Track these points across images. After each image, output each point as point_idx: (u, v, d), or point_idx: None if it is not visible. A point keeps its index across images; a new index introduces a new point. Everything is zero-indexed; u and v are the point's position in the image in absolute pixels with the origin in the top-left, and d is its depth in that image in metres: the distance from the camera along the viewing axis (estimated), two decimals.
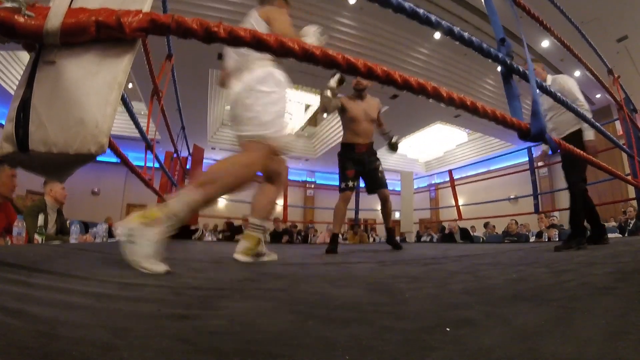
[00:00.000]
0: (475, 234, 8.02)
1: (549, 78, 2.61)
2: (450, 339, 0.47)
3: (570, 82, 2.49)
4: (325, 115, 11.48)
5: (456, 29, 0.95)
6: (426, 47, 6.92)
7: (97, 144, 0.63)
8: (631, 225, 5.48)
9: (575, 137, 2.40)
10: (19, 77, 0.80)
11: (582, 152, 1.34)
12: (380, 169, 2.82)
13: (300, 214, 13.84)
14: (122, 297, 0.68)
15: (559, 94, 1.27)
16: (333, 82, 2.56)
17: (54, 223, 2.87)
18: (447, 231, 6.76)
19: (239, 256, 1.61)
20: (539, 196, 5.30)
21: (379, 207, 3.02)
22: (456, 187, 6.18)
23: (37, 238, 2.29)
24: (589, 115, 2.32)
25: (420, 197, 13.15)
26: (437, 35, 6.52)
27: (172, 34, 0.63)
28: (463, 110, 0.90)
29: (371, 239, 8.17)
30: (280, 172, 1.77)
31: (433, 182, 13.95)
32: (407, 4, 0.83)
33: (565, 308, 0.64)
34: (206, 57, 6.86)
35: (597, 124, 1.72)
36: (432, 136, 11.43)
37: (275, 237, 6.32)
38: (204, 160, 5.05)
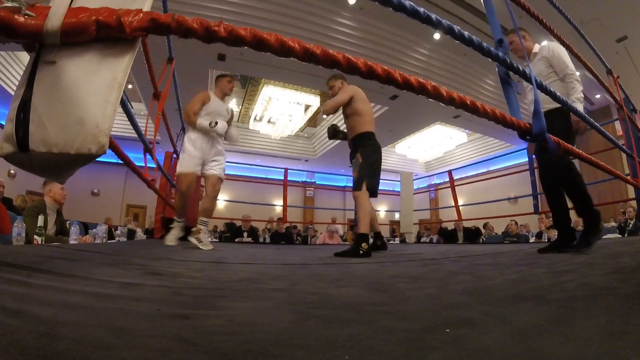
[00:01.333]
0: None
1: (537, 46, 2.40)
2: (450, 339, 0.46)
3: (559, 49, 2.26)
4: (325, 116, 11.49)
5: (456, 28, 0.95)
6: (426, 47, 6.92)
7: (97, 143, 0.63)
8: (631, 225, 5.48)
9: (560, 113, 2.11)
10: (19, 77, 0.80)
11: (580, 151, 1.34)
12: (354, 169, 2.62)
13: (300, 215, 13.85)
14: (122, 297, 0.68)
15: (558, 94, 1.27)
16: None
17: (54, 224, 2.86)
18: (450, 228, 6.77)
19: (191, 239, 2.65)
20: (539, 196, 5.29)
21: (379, 208, 3.01)
22: (456, 187, 6.18)
23: (37, 239, 2.29)
24: (579, 86, 2.15)
25: (420, 198, 13.15)
26: (437, 35, 6.52)
27: (172, 34, 0.63)
28: (463, 110, 0.90)
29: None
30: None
31: (433, 182, 13.96)
32: (407, 3, 0.83)
33: (565, 308, 0.64)
34: (206, 57, 6.86)
35: (597, 123, 1.71)
36: (432, 137, 11.43)
37: (275, 239, 6.31)
38: None
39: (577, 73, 2.19)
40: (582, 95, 2.16)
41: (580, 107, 2.05)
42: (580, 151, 1.33)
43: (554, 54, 2.27)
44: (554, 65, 2.27)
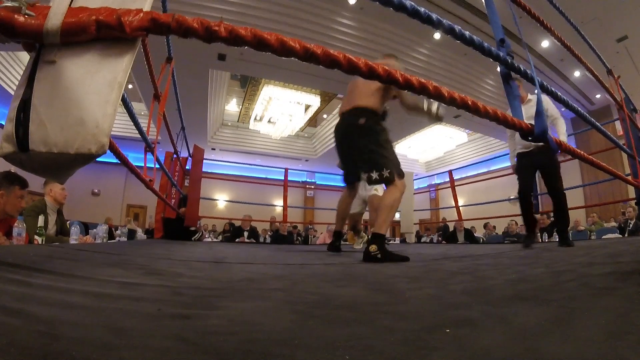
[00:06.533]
0: (475, 234, 8.04)
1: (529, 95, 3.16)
2: (450, 339, 0.46)
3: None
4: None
5: (457, 28, 0.95)
6: (426, 47, 6.92)
7: (97, 143, 0.63)
8: (631, 225, 5.48)
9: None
10: (19, 77, 0.80)
11: (581, 152, 1.34)
12: None
13: (300, 215, 13.85)
14: (123, 296, 0.68)
15: (559, 94, 1.27)
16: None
17: (54, 224, 2.86)
18: (451, 229, 6.76)
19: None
20: (539, 196, 5.30)
21: None
22: (456, 187, 6.17)
23: (37, 239, 2.29)
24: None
25: (421, 198, 13.15)
26: (437, 35, 6.51)
27: (172, 33, 0.63)
28: (464, 110, 0.90)
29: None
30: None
31: (433, 182, 13.95)
32: (408, 3, 0.83)
33: (565, 308, 0.64)
34: (206, 57, 6.87)
35: (598, 123, 1.71)
36: (432, 136, 11.44)
37: (276, 241, 6.31)
38: (204, 161, 5.03)
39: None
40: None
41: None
42: (581, 152, 1.33)
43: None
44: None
